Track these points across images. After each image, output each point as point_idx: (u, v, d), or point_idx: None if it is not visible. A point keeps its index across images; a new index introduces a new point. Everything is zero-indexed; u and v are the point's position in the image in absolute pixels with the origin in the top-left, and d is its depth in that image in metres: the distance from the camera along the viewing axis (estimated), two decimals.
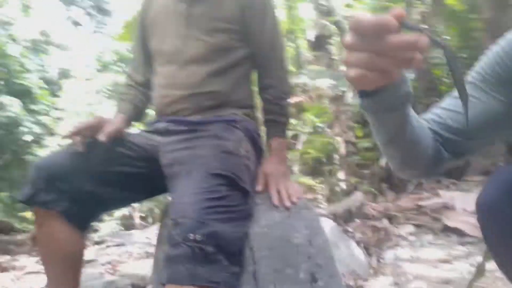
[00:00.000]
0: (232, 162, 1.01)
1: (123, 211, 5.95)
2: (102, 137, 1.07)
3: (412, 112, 0.64)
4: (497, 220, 0.58)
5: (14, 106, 9.24)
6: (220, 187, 0.93)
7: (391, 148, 0.67)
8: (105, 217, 6.86)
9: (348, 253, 1.80)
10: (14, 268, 2.62)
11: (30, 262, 2.73)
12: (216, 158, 0.99)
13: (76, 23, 14.11)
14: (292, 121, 5.48)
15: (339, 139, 4.55)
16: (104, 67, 11.66)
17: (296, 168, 4.81)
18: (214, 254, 0.84)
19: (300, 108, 5.39)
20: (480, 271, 1.28)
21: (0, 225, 3.50)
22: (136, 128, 1.61)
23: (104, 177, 1.09)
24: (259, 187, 1.16)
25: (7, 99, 9.21)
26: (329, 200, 3.85)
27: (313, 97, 4.34)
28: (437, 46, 0.41)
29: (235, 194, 0.96)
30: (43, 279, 2.23)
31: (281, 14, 5.97)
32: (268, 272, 1.01)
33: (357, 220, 2.28)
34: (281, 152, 1.23)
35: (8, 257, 2.97)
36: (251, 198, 1.07)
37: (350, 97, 3.46)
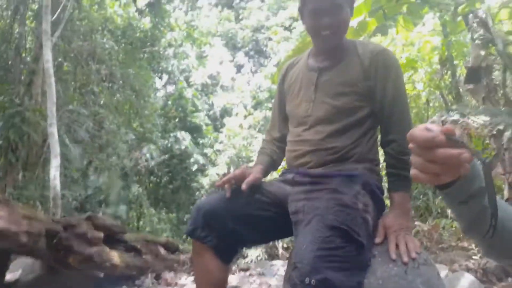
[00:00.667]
0: (348, 215, 1.14)
1: None
2: (244, 185, 1.32)
3: (507, 214, 0.68)
4: None
5: (186, 140, 10.96)
6: (334, 238, 1.07)
7: (470, 235, 0.71)
8: (253, 249, 7.39)
9: None
10: (176, 284, 3.15)
11: (188, 281, 3.24)
12: (332, 210, 1.14)
13: (240, 66, 16.12)
14: None
15: (502, 180, 4.03)
16: (258, 104, 12.84)
17: (449, 211, 4.44)
18: None
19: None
20: None
21: (168, 244, 4.15)
22: (271, 178, 1.86)
23: (245, 218, 1.32)
24: (377, 240, 1.24)
25: (181, 134, 10.98)
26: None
27: (462, 136, 3.98)
28: (478, 159, 0.51)
29: (349, 245, 1.09)
30: None
31: (436, 41, 5.67)
32: None
33: (510, 279, 2.04)
34: (403, 205, 1.28)
35: (172, 274, 3.57)
36: (367, 250, 1.17)
37: (508, 136, 3.08)
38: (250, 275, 3.22)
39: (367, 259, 1.18)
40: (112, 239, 3.36)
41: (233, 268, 4.48)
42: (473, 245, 3.49)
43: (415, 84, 6.23)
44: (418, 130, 0.54)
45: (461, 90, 5.32)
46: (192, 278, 3.47)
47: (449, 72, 5.52)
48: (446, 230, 4.04)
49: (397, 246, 1.21)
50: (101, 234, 3.03)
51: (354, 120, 1.36)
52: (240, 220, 1.31)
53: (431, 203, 4.75)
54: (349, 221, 1.13)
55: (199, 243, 1.30)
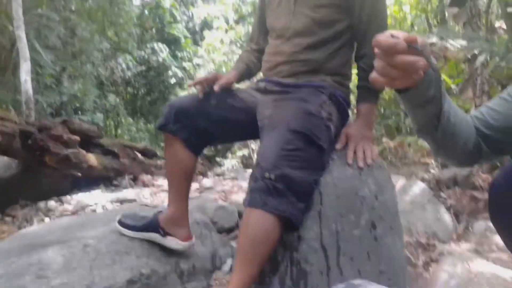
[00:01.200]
0: (311, 122, 1.21)
1: (244, 152, 6.61)
2: (216, 86, 1.35)
3: (452, 110, 0.75)
4: (505, 203, 0.65)
5: (163, 52, 10.59)
6: (296, 141, 1.15)
7: (421, 136, 0.79)
8: (229, 155, 7.72)
9: (434, 216, 1.87)
10: (153, 185, 3.33)
11: (165, 182, 3.42)
12: (297, 117, 1.20)
13: None
14: None
15: (470, 103, 4.19)
16: (241, 19, 12.28)
17: None
18: (283, 191, 1.09)
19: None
20: None
21: (146, 150, 4.30)
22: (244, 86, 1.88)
23: (216, 119, 1.37)
24: (338, 146, 1.33)
25: (159, 46, 10.58)
26: (444, 166, 3.70)
27: (438, 58, 4.02)
28: (432, 67, 0.56)
29: (309, 148, 1.18)
30: None
31: None
32: (332, 214, 1.22)
33: (457, 188, 2.25)
34: (367, 116, 1.35)
35: (149, 177, 3.75)
36: (327, 154, 1.27)
37: (481, 61, 3.14)
38: (224, 179, 3.43)
39: (326, 162, 1.28)
40: (89, 143, 3.43)
41: (209, 173, 4.73)
42: (433, 161, 3.75)
43: (402, 7, 6.10)
44: (383, 36, 0.57)
45: (446, 15, 5.24)
46: None
47: None
48: (411, 147, 4.28)
49: (355, 153, 1.31)
50: (77, 138, 3.08)
51: (332, 33, 1.37)
52: (211, 120, 1.37)
53: (402, 122, 4.95)
54: (311, 127, 1.20)
55: (171, 136, 1.36)
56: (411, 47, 0.56)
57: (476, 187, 2.44)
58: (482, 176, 2.65)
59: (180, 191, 1.38)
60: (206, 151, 8.43)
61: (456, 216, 1.96)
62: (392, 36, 0.57)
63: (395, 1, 5.94)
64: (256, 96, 1.43)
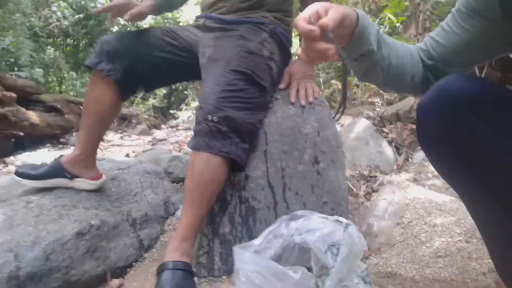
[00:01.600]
0: (252, 61, 1.20)
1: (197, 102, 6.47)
2: (126, 16, 1.26)
3: (393, 53, 0.78)
4: (428, 121, 0.68)
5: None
6: (237, 81, 1.15)
7: (364, 81, 0.85)
8: (184, 106, 7.57)
9: (377, 150, 1.98)
10: (103, 140, 3.22)
11: (116, 137, 3.33)
12: (238, 56, 1.18)
13: None
14: (371, 18, 5.24)
15: (413, 40, 4.30)
16: None
17: None
18: (227, 132, 1.10)
19: (379, 6, 5.05)
20: None
21: None
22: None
23: (152, 60, 1.32)
24: (281, 85, 1.34)
25: None
26: (389, 104, 3.86)
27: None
28: (340, 56, 0.64)
29: (251, 88, 1.18)
30: (122, 150, 2.77)
31: None
32: (277, 152, 1.26)
33: (399, 123, 2.37)
34: None
35: None
36: (269, 94, 1.28)
37: None
38: (177, 129, 3.39)
39: (269, 101, 1.29)
40: (28, 100, 3.21)
41: (162, 125, 4.64)
42: (378, 99, 3.89)
43: None
44: (300, 21, 0.61)
45: None
46: (119, 135, 3.57)
47: None
48: (360, 88, 4.40)
49: (297, 91, 1.33)
50: (13, 94, 2.87)
51: None
52: (148, 61, 1.32)
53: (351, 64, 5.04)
54: (253, 66, 1.19)
55: (101, 75, 1.28)
56: (324, 34, 0.61)
57: (415, 122, 2.58)
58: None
59: (91, 133, 1.32)
60: (158, 102, 8.20)
61: (397, 148, 2.08)
62: (310, 21, 0.62)
63: None
64: (197, 34, 1.38)
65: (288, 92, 1.34)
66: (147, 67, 1.32)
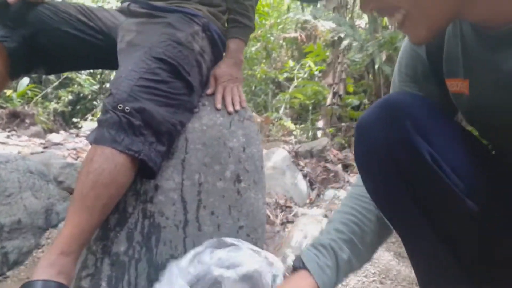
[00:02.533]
0: (180, 52, 1.05)
1: None
2: None
3: (356, 254, 0.76)
4: (368, 135, 0.63)
5: None
6: (161, 71, 0.98)
7: None
8: (90, 116, 6.91)
9: (292, 181, 1.93)
10: None
11: (0, 136, 2.83)
12: (163, 44, 1.03)
13: None
14: (291, 63, 5.49)
15: (328, 89, 4.56)
16: None
17: (281, 110, 4.89)
18: (140, 127, 0.91)
19: (302, 52, 5.33)
20: None
21: None
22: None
23: (60, 36, 1.11)
24: (209, 91, 1.20)
25: None
26: (300, 143, 3.97)
27: (311, 36, 4.28)
28: None
29: (176, 82, 1.02)
30: (5, 149, 2.34)
31: None
32: (197, 163, 1.10)
33: (313, 159, 2.39)
34: (236, 54, 1.24)
35: None
36: (196, 94, 1.13)
37: (345, 44, 3.41)
38: (77, 136, 3.00)
39: (195, 103, 1.15)
40: None
41: (61, 131, 4.11)
42: (293, 138, 3.98)
43: None
44: None
45: (318, 5, 5.60)
46: (6, 133, 3.04)
47: None
48: (275, 126, 4.49)
49: (224, 97, 1.21)
50: None
51: None
52: (54, 36, 1.10)
53: (269, 102, 5.16)
54: (180, 58, 1.04)
55: None
56: None
57: (327, 160, 2.65)
58: (333, 152, 2.90)
59: None
60: (61, 107, 7.39)
61: (311, 183, 2.06)
62: None
63: None
64: (118, 18, 1.20)
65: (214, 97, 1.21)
66: (52, 43, 1.10)
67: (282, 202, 1.65)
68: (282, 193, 1.76)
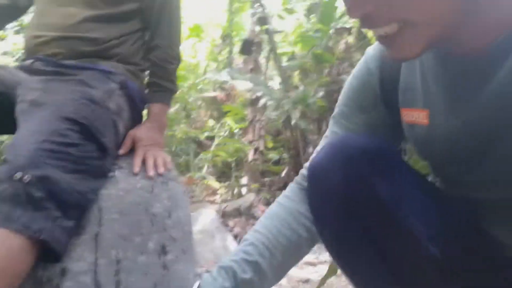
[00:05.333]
0: (93, 111, 0.93)
1: None
2: None
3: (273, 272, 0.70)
4: (321, 179, 0.58)
5: None
6: (70, 132, 0.85)
7: None
8: None
9: (222, 244, 1.80)
10: None
11: None
12: (74, 103, 0.90)
13: None
14: (211, 122, 5.52)
15: (249, 146, 4.62)
16: None
17: (204, 169, 4.80)
18: (42, 200, 0.74)
19: (221, 111, 5.41)
20: (331, 270, 1.34)
21: None
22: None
23: None
24: (122, 150, 1.07)
25: None
26: (226, 201, 3.87)
27: (229, 96, 4.36)
28: None
29: (88, 145, 0.88)
30: None
31: (222, 18, 6.13)
32: (113, 237, 0.94)
33: (243, 217, 2.30)
34: (159, 119, 1.16)
35: None
36: (111, 158, 1.00)
37: (263, 103, 3.52)
38: None
39: (109, 168, 1.01)
40: None
41: None
42: (218, 197, 3.87)
43: (197, 54, 6.52)
44: None
45: (233, 65, 5.86)
46: None
47: (227, 49, 6.03)
48: (198, 186, 4.35)
49: (144, 161, 1.09)
50: None
51: (119, 12, 1.15)
52: None
53: (192, 161, 5.04)
54: (93, 118, 0.92)
55: None
56: None
57: (256, 217, 2.58)
58: (261, 208, 2.85)
59: None
60: None
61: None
62: None
63: (191, 47, 6.31)
64: (18, 75, 1.05)
65: (133, 160, 1.08)
66: None
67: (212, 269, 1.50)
68: (213, 259, 1.61)
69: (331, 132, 0.77)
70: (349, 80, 0.75)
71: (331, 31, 3.67)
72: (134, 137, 1.09)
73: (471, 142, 0.52)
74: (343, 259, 0.61)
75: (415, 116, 0.61)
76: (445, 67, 0.56)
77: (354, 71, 0.74)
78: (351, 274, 0.62)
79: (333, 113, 0.78)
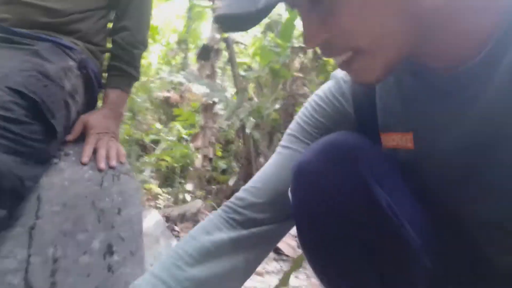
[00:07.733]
0: (46, 87, 0.81)
1: None
2: None
3: None
4: (309, 184, 0.53)
5: None
6: (15, 106, 0.73)
7: None
8: None
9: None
10: None
11: None
12: (25, 73, 0.79)
13: None
14: (159, 126, 5.32)
15: (198, 152, 4.51)
16: None
17: (147, 173, 4.61)
18: None
19: (169, 115, 5.25)
20: (284, 280, 1.30)
21: None
22: None
23: None
24: (70, 136, 0.96)
25: None
26: (168, 207, 3.73)
27: (184, 98, 4.25)
28: None
29: (34, 125, 0.77)
30: None
31: (179, 24, 6.02)
32: (52, 231, 0.82)
33: (189, 223, 2.21)
34: (116, 106, 1.06)
35: None
36: (56, 142, 0.88)
37: (218, 109, 3.47)
38: None
39: (54, 153, 0.89)
40: None
41: None
42: (161, 202, 3.73)
43: (148, 56, 6.34)
44: None
45: (187, 70, 5.78)
46: None
47: (182, 54, 5.94)
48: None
49: (95, 150, 0.98)
50: None
51: None
52: None
53: (133, 164, 4.82)
54: (44, 95, 0.80)
55: None
56: None
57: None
58: (207, 214, 2.76)
59: None
60: None
61: None
62: None
63: None
64: None
65: (83, 148, 0.97)
66: None
67: None
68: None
69: (284, 148, 0.71)
70: (315, 100, 0.69)
71: (288, 50, 3.70)
72: (86, 123, 0.98)
73: (465, 158, 0.50)
74: (331, 262, 0.56)
75: (396, 140, 0.57)
76: (425, 84, 0.53)
77: (322, 92, 0.69)
78: (336, 279, 0.57)
79: (288, 128, 0.72)
